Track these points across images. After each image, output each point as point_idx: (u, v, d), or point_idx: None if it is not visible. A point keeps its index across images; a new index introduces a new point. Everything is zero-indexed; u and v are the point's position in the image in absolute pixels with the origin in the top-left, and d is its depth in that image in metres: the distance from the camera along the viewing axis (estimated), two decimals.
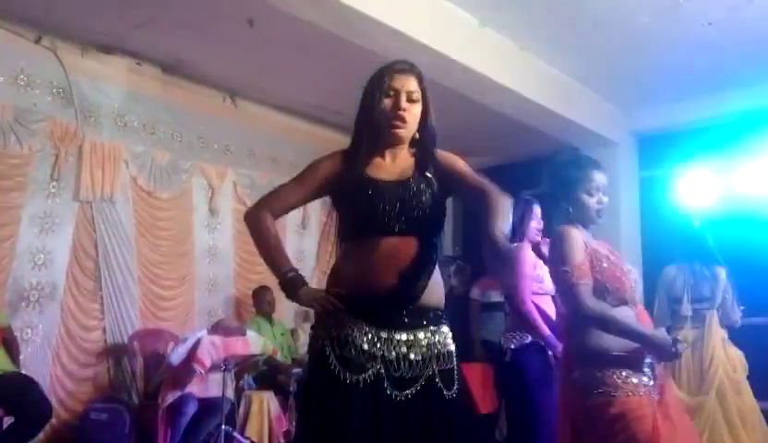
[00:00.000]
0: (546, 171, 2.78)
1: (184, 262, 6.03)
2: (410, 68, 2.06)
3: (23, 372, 4.40)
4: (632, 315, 2.56)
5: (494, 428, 6.04)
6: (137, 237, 5.68)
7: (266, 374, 5.56)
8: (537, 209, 3.71)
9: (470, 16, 5.10)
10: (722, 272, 4.13)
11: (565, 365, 2.65)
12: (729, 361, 4.08)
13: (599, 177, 2.64)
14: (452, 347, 2.00)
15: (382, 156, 2.04)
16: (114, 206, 5.54)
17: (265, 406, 5.24)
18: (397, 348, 1.90)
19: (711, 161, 6.32)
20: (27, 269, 5.01)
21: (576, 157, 2.78)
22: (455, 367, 1.98)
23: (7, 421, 4.19)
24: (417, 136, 2.07)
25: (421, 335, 1.94)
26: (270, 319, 6.00)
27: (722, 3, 4.78)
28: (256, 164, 6.67)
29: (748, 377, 4.11)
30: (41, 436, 4.46)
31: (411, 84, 2.02)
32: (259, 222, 2.13)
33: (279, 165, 6.80)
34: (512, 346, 3.56)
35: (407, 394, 1.87)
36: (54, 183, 5.24)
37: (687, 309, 4.25)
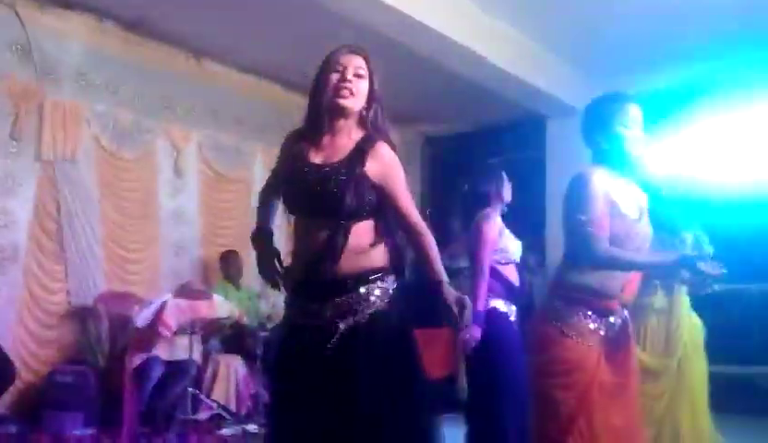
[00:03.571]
0: (584, 111, 2.75)
1: (149, 224, 5.96)
2: (357, 49, 2.17)
3: None
4: (620, 274, 2.61)
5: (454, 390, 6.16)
6: (100, 199, 5.59)
7: (232, 338, 5.58)
8: (504, 175, 3.78)
9: None
10: (688, 238, 4.22)
11: (549, 296, 2.72)
12: (691, 328, 4.20)
13: (634, 110, 2.61)
14: (372, 304, 2.10)
15: (326, 134, 2.14)
16: (77, 166, 5.43)
17: (232, 369, 5.27)
18: (322, 317, 2.07)
19: (676, 128, 6.44)
20: None
21: (609, 93, 2.72)
22: (377, 315, 2.09)
23: None
24: (364, 114, 2.16)
25: (341, 300, 2.08)
26: (236, 284, 5.99)
27: None
28: (221, 126, 6.58)
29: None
30: (5, 397, 4.42)
31: (358, 62, 2.13)
32: (259, 243, 2.34)
33: (244, 127, 6.74)
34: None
35: (331, 349, 2.05)
36: (15, 142, 5.11)
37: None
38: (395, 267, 2.17)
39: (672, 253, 2.62)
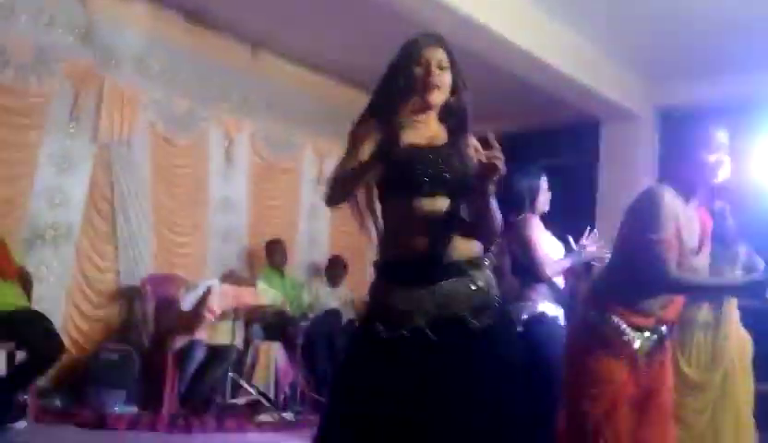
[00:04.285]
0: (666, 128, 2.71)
1: (198, 210, 6.05)
2: (437, 40, 2.15)
3: (37, 309, 4.44)
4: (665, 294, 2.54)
5: None
6: (153, 183, 5.71)
7: (274, 326, 5.63)
8: (545, 182, 3.67)
9: None
10: (742, 252, 4.09)
11: (585, 305, 2.67)
12: (740, 342, 4.08)
13: (721, 135, 2.55)
14: (484, 285, 2.06)
15: (414, 121, 2.12)
16: (132, 150, 5.56)
17: (272, 357, 5.32)
18: (429, 302, 2.00)
19: (732, 140, 6.25)
20: (44, 208, 5.04)
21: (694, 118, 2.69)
22: (489, 304, 2.05)
23: (19, 356, 4.24)
24: (450, 103, 2.15)
25: (451, 284, 2.02)
26: (281, 272, 6.05)
27: None
28: (273, 116, 6.64)
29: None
30: (51, 372, 4.54)
31: (440, 54, 2.11)
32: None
33: (295, 118, 6.80)
34: (525, 316, 3.54)
35: (439, 338, 1.97)
36: (73, 123, 5.24)
37: None
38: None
39: (739, 275, 2.51)
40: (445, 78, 2.10)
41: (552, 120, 7.30)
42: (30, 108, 5.01)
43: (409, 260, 2.03)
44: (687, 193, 2.55)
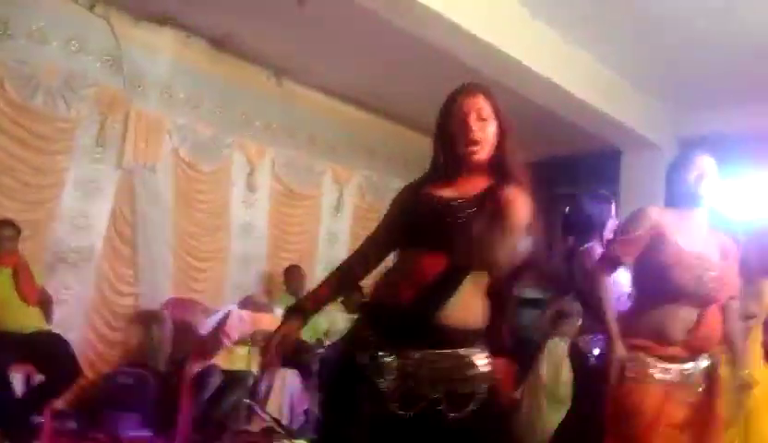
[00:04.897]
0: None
1: (219, 236, 6.10)
2: (475, 89, 1.98)
3: (55, 331, 4.48)
4: (684, 316, 2.47)
5: None
6: (175, 208, 5.77)
7: (289, 352, 5.59)
8: (614, 208, 3.57)
9: (521, 7, 5.02)
10: (766, 286, 3.98)
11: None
12: (763, 376, 3.97)
13: (706, 160, 2.62)
14: (476, 371, 1.85)
15: (457, 179, 1.96)
16: (155, 175, 5.62)
17: (287, 383, 5.29)
18: (410, 366, 1.83)
19: (758, 171, 6.17)
20: (67, 232, 5.11)
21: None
22: (475, 392, 1.84)
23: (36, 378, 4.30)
24: (494, 159, 1.95)
25: (436, 355, 1.84)
26: (298, 298, 6.03)
27: None
28: (295, 144, 6.70)
29: None
30: (68, 394, 4.58)
31: (478, 103, 1.94)
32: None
33: (317, 145, 6.87)
34: (596, 350, 3.41)
35: (410, 413, 1.80)
36: (100, 148, 5.33)
37: None
38: (491, 338, 1.92)
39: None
40: (486, 131, 1.92)
41: (574, 149, 7.27)
42: (58, 133, 5.11)
43: (391, 311, 1.87)
44: (684, 207, 2.60)
